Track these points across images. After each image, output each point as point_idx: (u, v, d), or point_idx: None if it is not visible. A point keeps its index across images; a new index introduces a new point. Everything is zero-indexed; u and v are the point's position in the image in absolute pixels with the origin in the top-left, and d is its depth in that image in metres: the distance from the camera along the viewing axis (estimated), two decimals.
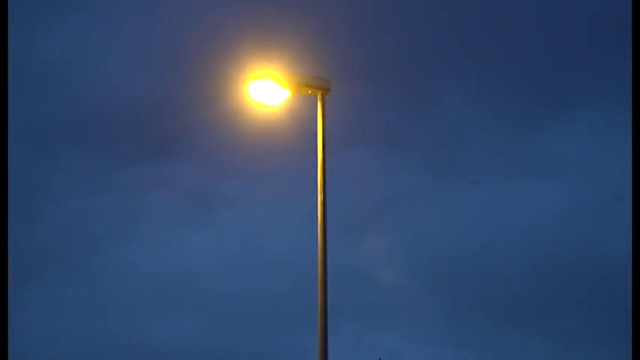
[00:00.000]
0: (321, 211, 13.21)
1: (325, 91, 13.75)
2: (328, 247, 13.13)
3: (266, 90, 13.86)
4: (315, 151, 13.65)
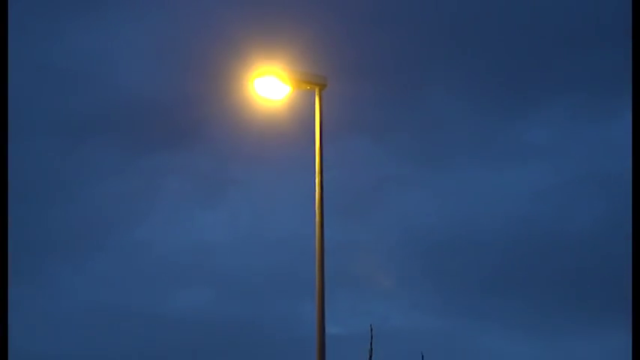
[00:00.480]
0: (319, 193, 13.30)
1: (322, 87, 13.81)
2: (325, 224, 13.21)
3: (269, 86, 13.90)
4: (313, 140, 13.69)
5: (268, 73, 13.75)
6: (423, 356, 10.05)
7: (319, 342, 12.72)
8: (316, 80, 13.85)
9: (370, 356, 10.00)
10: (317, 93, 13.75)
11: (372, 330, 10.17)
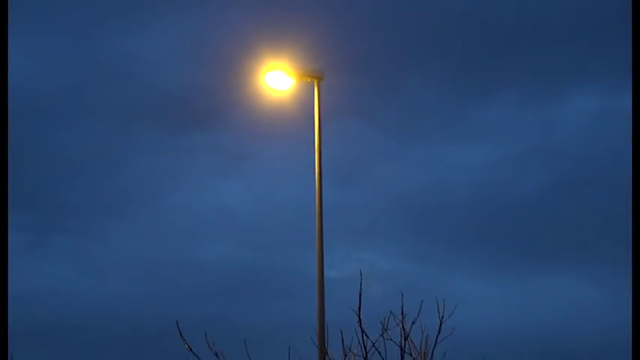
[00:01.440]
0: (318, 165, 13.30)
1: (320, 79, 13.86)
2: (323, 190, 13.35)
3: (277, 79, 13.96)
4: (313, 122, 13.78)
5: (276, 68, 13.84)
6: (402, 295, 10.11)
7: (319, 283, 12.91)
8: (315, 74, 13.92)
9: (360, 294, 10.08)
10: (315, 84, 13.82)
11: (361, 274, 10.24)
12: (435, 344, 9.65)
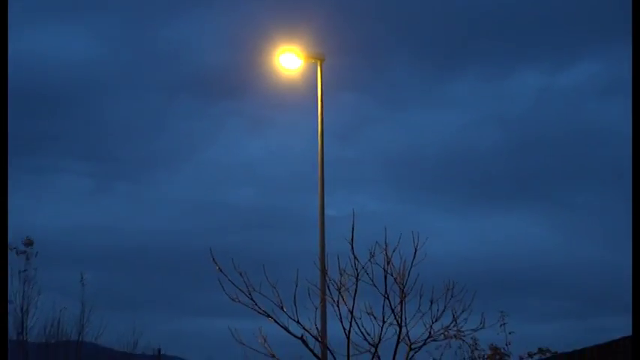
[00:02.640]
0: (320, 127, 13.19)
1: (322, 60, 13.65)
2: (325, 146, 13.24)
3: (288, 60, 13.70)
4: (317, 94, 13.54)
5: (287, 51, 13.62)
6: (385, 229, 10.02)
7: (321, 220, 12.92)
8: (318, 56, 13.71)
9: (352, 228, 9.98)
10: (319, 64, 13.63)
11: (354, 213, 10.13)
12: (411, 267, 9.57)
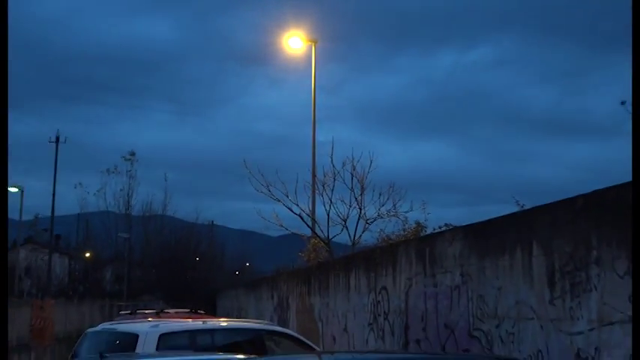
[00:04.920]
0: (314, 85, 16.63)
1: (316, 43, 16.84)
2: (317, 99, 16.65)
3: (293, 42, 17.00)
4: (312, 64, 16.55)
5: (292, 35, 16.96)
6: (352, 149, 13.86)
7: (313, 143, 16.08)
8: (313, 39, 16.94)
9: (332, 149, 13.98)
10: (313, 45, 16.77)
11: (333, 140, 14.22)
12: (368, 172, 13.72)
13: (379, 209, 13.57)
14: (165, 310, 10.78)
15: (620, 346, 4.08)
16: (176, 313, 10.22)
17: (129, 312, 11.20)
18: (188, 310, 10.67)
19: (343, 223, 13.91)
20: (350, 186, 13.85)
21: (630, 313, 3.95)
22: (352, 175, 13.83)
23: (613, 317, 4.14)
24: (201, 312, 10.63)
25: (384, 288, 8.01)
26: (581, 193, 4.51)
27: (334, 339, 9.93)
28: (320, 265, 12.00)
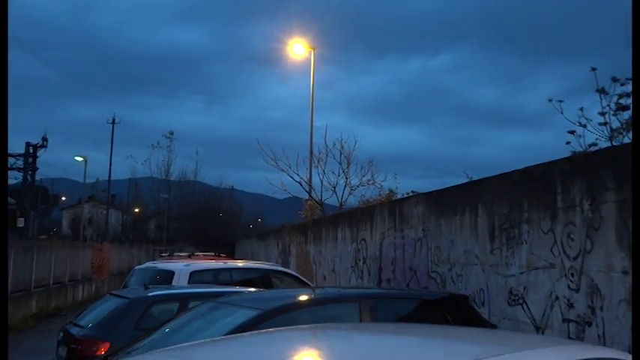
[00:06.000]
0: (312, 82, 16.15)
1: (315, 49, 16.32)
2: (315, 92, 16.10)
3: (296, 48, 16.40)
4: (311, 67, 16.17)
5: (295, 43, 16.39)
6: (341, 132, 13.74)
7: (311, 127, 15.62)
8: (312, 46, 16.43)
9: (325, 131, 14.05)
10: (312, 52, 16.22)
11: (327, 125, 14.29)
12: (353, 150, 13.82)
13: (361, 179, 13.84)
14: (196, 253, 10.83)
15: (543, 285, 4.11)
16: (204, 255, 10.27)
17: (167, 254, 11.26)
18: (213, 254, 10.72)
19: (333, 189, 14.12)
20: (339, 160, 13.99)
21: (551, 261, 3.99)
22: (341, 152, 13.99)
23: (538, 264, 4.16)
24: (223, 255, 10.69)
25: (364, 239, 8.07)
26: (516, 168, 4.53)
27: (324, 277, 9.99)
28: (315, 221, 12.09)
